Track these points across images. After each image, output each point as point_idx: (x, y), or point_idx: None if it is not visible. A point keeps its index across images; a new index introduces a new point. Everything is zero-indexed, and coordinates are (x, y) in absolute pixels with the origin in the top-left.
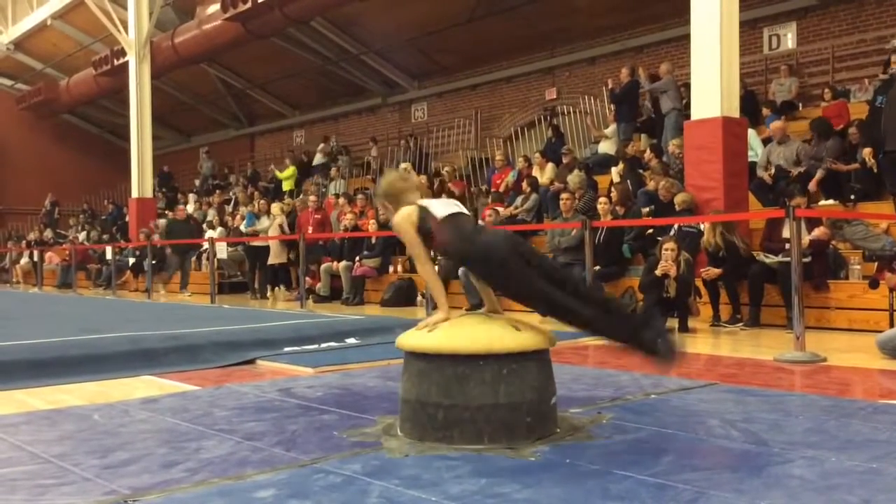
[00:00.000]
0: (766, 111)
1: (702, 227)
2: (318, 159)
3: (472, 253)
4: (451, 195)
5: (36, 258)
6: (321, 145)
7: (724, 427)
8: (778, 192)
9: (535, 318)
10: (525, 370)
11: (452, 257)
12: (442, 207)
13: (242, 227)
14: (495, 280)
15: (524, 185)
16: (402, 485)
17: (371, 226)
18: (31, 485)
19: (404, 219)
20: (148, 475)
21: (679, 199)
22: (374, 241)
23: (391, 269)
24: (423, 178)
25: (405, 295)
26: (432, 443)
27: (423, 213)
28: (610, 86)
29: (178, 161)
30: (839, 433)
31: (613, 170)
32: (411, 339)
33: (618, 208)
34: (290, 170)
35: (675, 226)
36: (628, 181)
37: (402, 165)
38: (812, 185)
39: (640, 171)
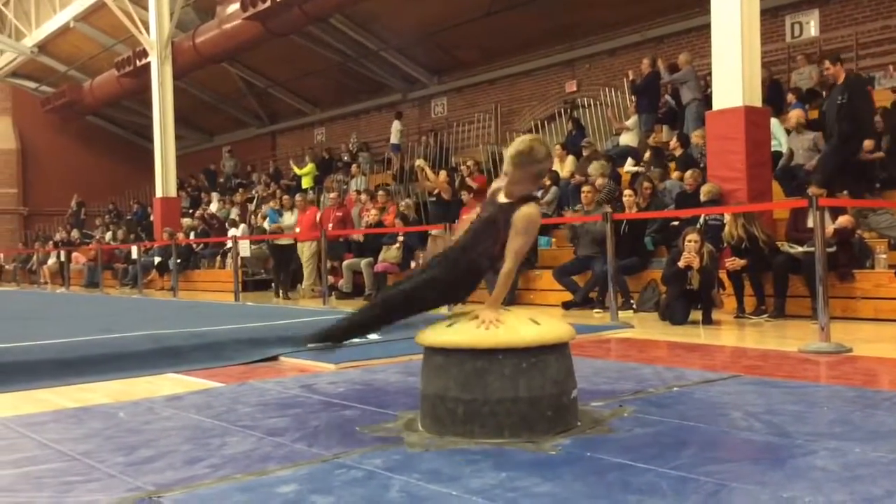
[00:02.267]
0: (791, 97)
1: (725, 217)
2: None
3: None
4: (469, 190)
5: (63, 258)
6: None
7: (747, 419)
8: (800, 182)
9: (556, 312)
10: (545, 364)
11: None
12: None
13: (266, 225)
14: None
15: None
16: (423, 479)
17: (397, 223)
18: (58, 482)
19: (537, 216)
20: (172, 471)
21: (705, 189)
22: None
23: (413, 264)
24: (444, 174)
25: None
26: (453, 437)
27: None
28: (631, 77)
29: (201, 160)
30: (864, 424)
31: (629, 160)
32: (430, 335)
33: (640, 201)
34: (310, 166)
35: (702, 218)
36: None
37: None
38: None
39: (665, 163)
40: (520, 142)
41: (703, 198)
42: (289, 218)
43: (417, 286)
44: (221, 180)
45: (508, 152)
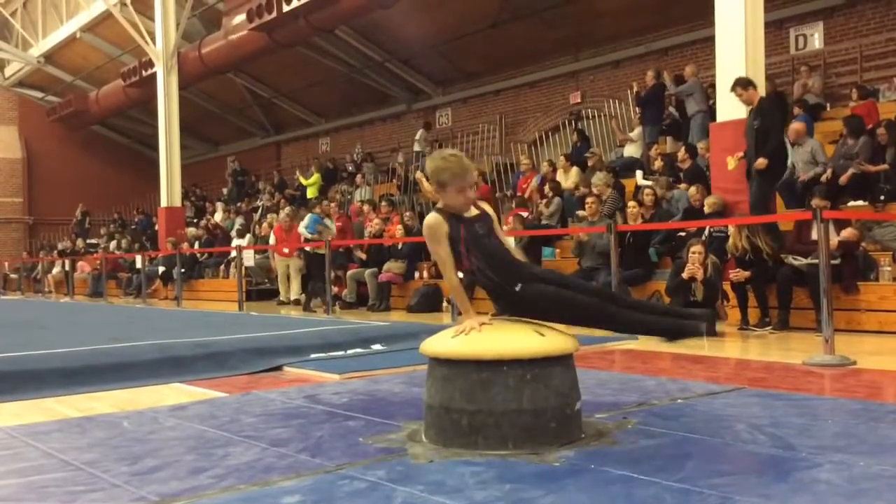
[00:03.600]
0: (797, 110)
1: (730, 230)
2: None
3: None
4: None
5: (67, 268)
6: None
7: (751, 432)
8: (800, 194)
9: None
10: (549, 375)
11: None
12: None
13: (305, 232)
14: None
15: (546, 188)
16: (427, 491)
17: (398, 231)
18: (62, 492)
19: (428, 222)
20: (176, 482)
21: (709, 201)
22: (399, 246)
23: (417, 275)
24: None
25: (431, 301)
26: (457, 448)
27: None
28: (636, 89)
29: (205, 170)
30: (868, 437)
31: (638, 172)
32: (435, 345)
33: (643, 211)
34: (315, 177)
35: (707, 230)
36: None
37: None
38: (843, 180)
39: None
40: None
41: (706, 210)
42: (332, 224)
43: None
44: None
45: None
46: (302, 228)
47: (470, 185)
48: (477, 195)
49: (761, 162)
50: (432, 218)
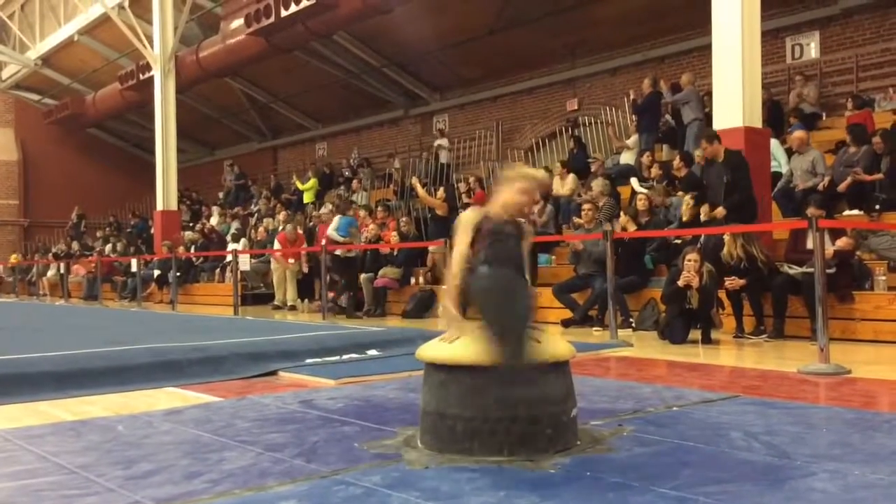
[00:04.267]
0: (792, 119)
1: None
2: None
3: None
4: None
5: (62, 270)
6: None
7: (747, 440)
8: (798, 203)
9: (556, 330)
10: (545, 382)
11: None
12: None
13: (336, 235)
14: None
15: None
16: (422, 497)
17: (393, 238)
18: (56, 495)
19: (462, 217)
20: (171, 486)
21: (704, 209)
22: (395, 252)
23: (413, 280)
24: (442, 191)
25: (427, 306)
26: (452, 455)
27: None
28: (632, 97)
29: (202, 174)
30: (863, 446)
31: (633, 180)
32: (431, 351)
33: (642, 220)
34: (312, 181)
35: (702, 237)
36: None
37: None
38: (842, 188)
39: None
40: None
41: (702, 217)
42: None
43: None
44: (221, 194)
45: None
46: (332, 231)
47: (531, 193)
48: (472, 200)
49: (720, 211)
50: (469, 210)
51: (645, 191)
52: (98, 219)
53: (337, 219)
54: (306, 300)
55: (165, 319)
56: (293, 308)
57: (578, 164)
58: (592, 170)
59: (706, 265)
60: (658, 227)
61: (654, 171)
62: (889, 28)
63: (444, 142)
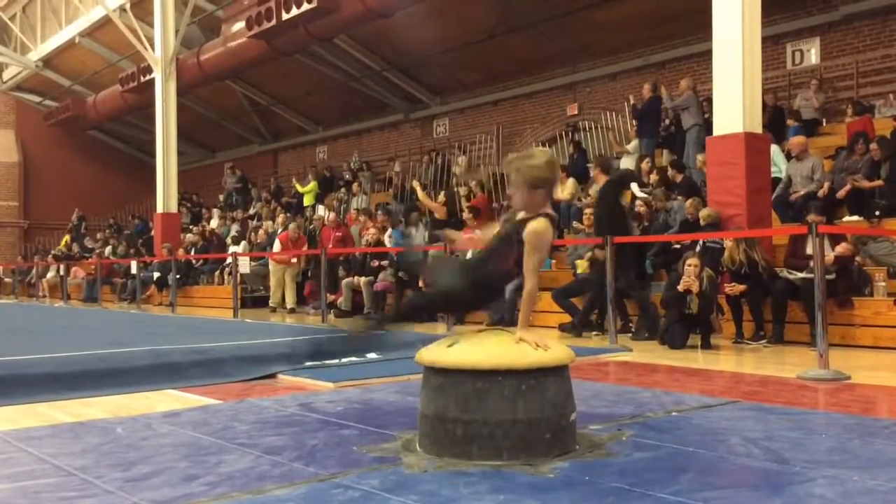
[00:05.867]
0: (790, 121)
1: (726, 242)
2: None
3: None
4: (471, 211)
5: (62, 272)
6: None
7: (746, 445)
8: (797, 209)
9: (556, 334)
10: (544, 386)
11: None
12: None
13: (388, 242)
14: None
15: None
16: (421, 500)
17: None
18: (55, 497)
19: (545, 230)
20: (169, 488)
21: (703, 213)
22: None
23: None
24: (442, 195)
25: None
26: (451, 458)
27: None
28: (632, 102)
29: (202, 176)
30: (862, 452)
31: (633, 185)
32: (430, 355)
33: (644, 223)
34: (312, 184)
35: (700, 241)
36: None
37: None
38: (841, 194)
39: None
40: (523, 160)
41: (702, 222)
42: (418, 235)
43: (435, 295)
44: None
45: (516, 170)
46: (388, 239)
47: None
48: (473, 204)
49: (601, 253)
50: (544, 224)
51: (644, 195)
52: (98, 221)
53: (391, 231)
54: (311, 305)
55: (165, 322)
56: (293, 311)
57: (578, 169)
58: (592, 174)
59: (706, 270)
60: (659, 232)
61: (653, 177)
62: (889, 34)
63: (461, 160)
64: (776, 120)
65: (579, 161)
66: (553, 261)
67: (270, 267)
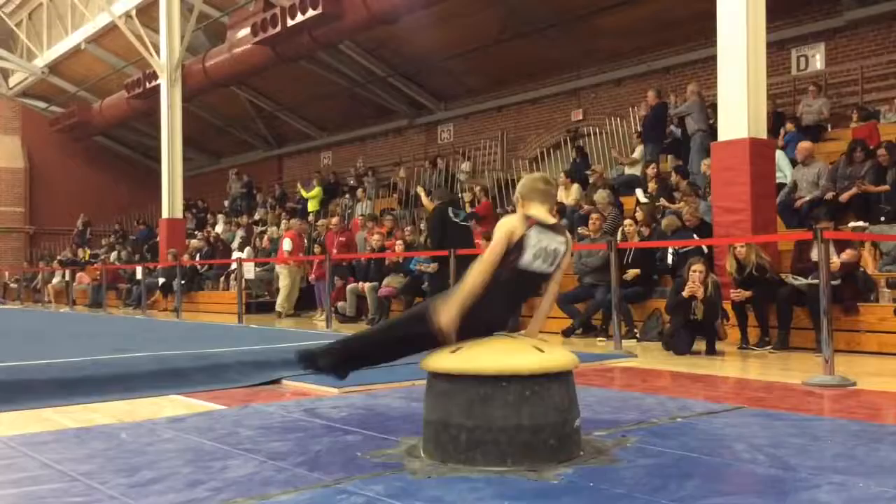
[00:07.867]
0: (789, 126)
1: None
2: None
3: None
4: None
5: (67, 278)
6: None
7: (751, 451)
8: (802, 215)
9: (559, 340)
10: (548, 392)
11: None
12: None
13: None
14: None
15: None
16: None
17: (398, 246)
18: (59, 502)
19: (504, 222)
20: (173, 494)
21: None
22: (399, 261)
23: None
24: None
25: None
26: (455, 464)
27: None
28: (642, 112)
29: (207, 182)
30: (868, 458)
31: (638, 191)
32: (435, 360)
33: (643, 229)
34: (317, 190)
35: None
36: (658, 201)
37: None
38: (844, 198)
39: (671, 193)
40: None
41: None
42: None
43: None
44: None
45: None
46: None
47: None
48: (477, 210)
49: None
50: (507, 217)
51: (647, 201)
52: (103, 226)
53: None
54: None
55: (169, 327)
56: (296, 315)
57: (582, 174)
58: (591, 181)
59: (711, 276)
60: (662, 238)
61: (652, 185)
62: (894, 40)
63: (465, 165)
64: (779, 126)
65: (581, 166)
66: None
67: (283, 270)
